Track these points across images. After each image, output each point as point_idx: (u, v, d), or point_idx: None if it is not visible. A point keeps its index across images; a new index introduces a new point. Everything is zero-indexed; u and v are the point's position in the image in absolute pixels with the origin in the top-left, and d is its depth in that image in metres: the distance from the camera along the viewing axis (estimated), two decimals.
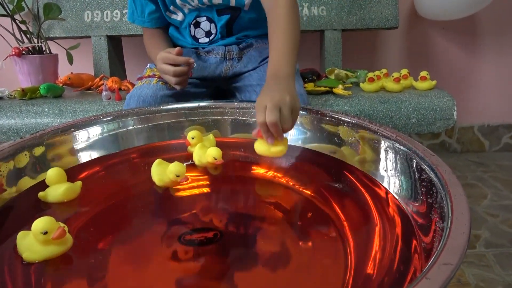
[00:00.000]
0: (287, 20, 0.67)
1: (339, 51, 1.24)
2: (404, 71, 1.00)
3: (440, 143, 1.64)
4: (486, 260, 0.94)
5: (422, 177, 0.43)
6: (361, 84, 0.95)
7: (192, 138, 0.58)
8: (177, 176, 0.48)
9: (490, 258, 0.94)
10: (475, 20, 1.49)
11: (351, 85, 1.02)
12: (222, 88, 0.92)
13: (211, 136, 0.61)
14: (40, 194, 0.46)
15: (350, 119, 0.58)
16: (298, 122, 0.60)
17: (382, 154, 0.51)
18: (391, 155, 0.49)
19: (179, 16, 0.90)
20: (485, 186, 1.34)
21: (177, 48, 0.71)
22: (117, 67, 1.29)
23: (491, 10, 1.41)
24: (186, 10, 0.88)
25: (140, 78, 0.82)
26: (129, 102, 0.75)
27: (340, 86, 0.92)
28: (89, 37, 1.24)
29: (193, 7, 0.87)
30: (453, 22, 1.43)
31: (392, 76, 0.94)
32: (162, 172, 0.50)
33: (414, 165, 0.44)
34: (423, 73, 0.94)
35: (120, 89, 1.08)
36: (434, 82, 0.93)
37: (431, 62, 1.54)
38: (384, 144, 0.51)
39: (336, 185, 0.51)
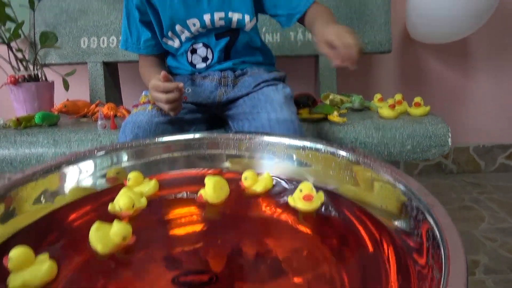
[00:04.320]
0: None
1: (333, 76, 1.25)
2: (398, 97, 1.01)
3: (436, 164, 1.64)
4: (486, 287, 0.93)
5: (418, 218, 0.42)
6: (379, 110, 0.95)
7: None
8: (124, 238, 0.42)
9: (489, 285, 0.93)
10: (467, 43, 1.51)
11: (346, 110, 1.02)
12: (217, 115, 0.92)
13: (153, 182, 0.54)
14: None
15: (345, 152, 0.57)
16: (294, 156, 0.60)
17: (378, 191, 0.51)
18: (387, 192, 0.49)
19: (175, 43, 0.91)
20: (482, 208, 1.34)
21: (162, 74, 0.72)
22: (113, 93, 1.29)
23: (483, 33, 1.44)
24: (183, 38, 0.90)
25: (135, 105, 0.82)
26: (124, 129, 0.75)
27: (335, 112, 0.92)
28: (85, 63, 1.25)
29: (192, 34, 0.88)
30: (446, 44, 1.45)
31: (387, 102, 0.94)
32: (104, 236, 0.41)
33: (410, 205, 0.44)
34: (417, 99, 0.94)
35: (115, 115, 1.08)
36: (428, 108, 0.94)
37: (425, 84, 1.56)
38: (379, 180, 0.51)
39: (334, 222, 0.51)
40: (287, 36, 1.24)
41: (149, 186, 0.53)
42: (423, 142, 0.87)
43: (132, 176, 0.53)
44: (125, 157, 0.58)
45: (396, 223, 0.46)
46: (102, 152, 0.55)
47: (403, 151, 0.87)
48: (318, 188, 0.56)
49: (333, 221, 0.51)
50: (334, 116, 0.90)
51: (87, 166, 0.54)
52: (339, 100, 1.08)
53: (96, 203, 0.50)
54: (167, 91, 0.72)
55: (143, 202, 0.49)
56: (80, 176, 0.53)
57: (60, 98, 1.17)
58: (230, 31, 0.91)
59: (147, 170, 0.56)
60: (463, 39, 1.39)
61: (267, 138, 0.62)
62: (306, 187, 0.52)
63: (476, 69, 1.55)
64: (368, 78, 1.54)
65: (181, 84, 0.71)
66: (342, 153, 0.58)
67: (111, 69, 1.29)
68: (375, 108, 1.02)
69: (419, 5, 1.30)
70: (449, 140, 0.87)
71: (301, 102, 1.04)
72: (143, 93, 0.86)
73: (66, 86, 1.17)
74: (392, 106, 0.92)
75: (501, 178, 1.60)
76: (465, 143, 1.62)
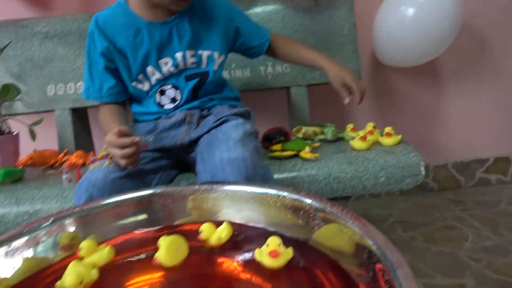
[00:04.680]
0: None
1: (306, 107, 1.25)
2: (370, 126, 1.00)
3: None
4: None
5: (385, 278, 0.40)
6: (351, 142, 0.94)
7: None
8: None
9: None
10: (436, 63, 1.54)
11: (318, 143, 1.01)
12: (182, 159, 0.90)
13: (107, 250, 0.50)
14: None
15: (312, 201, 0.56)
16: (257, 205, 0.59)
17: (346, 244, 0.49)
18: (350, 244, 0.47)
19: (145, 86, 0.90)
20: (465, 226, 1.33)
21: (116, 130, 0.70)
22: (84, 139, 1.26)
23: (451, 53, 1.47)
24: (153, 80, 0.89)
25: (93, 161, 0.79)
26: (78, 190, 0.72)
27: (307, 148, 0.91)
28: (53, 111, 1.22)
29: (163, 75, 0.88)
30: (415, 66, 1.47)
31: (358, 134, 0.94)
32: None
33: (377, 262, 0.42)
34: (388, 129, 0.94)
35: (84, 164, 1.05)
36: (399, 137, 0.94)
37: (398, 106, 1.57)
38: (347, 233, 0.49)
39: (301, 280, 0.48)
40: (257, 70, 1.24)
41: (103, 255, 0.49)
42: (397, 173, 0.86)
43: (84, 245, 0.49)
44: (74, 224, 0.55)
45: (364, 279, 0.44)
46: (48, 221, 0.52)
47: (377, 184, 0.86)
48: (287, 240, 0.55)
49: (300, 279, 0.49)
50: (306, 153, 0.89)
51: (34, 239, 0.51)
52: (312, 133, 1.08)
53: (41, 283, 0.47)
54: (122, 147, 0.70)
55: (94, 274, 0.46)
56: (26, 252, 0.50)
57: (27, 148, 1.13)
58: (200, 73, 0.91)
59: (101, 235, 0.53)
60: (431, 60, 1.41)
61: (226, 187, 0.60)
62: (273, 242, 0.50)
63: (446, 87, 1.58)
64: (341, 106, 1.55)
65: (136, 139, 0.70)
66: (309, 201, 0.56)
67: (80, 115, 1.27)
68: (348, 138, 1.01)
69: (384, 31, 1.32)
70: (422, 169, 0.86)
71: (274, 137, 1.04)
72: (105, 146, 0.84)
73: (33, 136, 1.14)
74: (364, 138, 0.92)
75: (481, 192, 1.60)
76: (443, 161, 1.63)
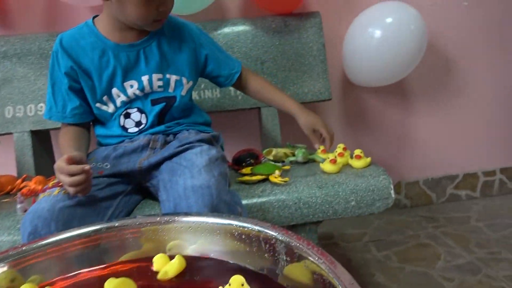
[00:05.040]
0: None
1: (277, 127, 1.24)
2: (340, 148, 1.00)
3: None
4: None
5: None
6: (321, 165, 0.93)
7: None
8: None
9: None
10: (405, 82, 1.57)
11: (289, 166, 0.99)
12: (142, 185, 0.86)
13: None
14: None
15: (277, 234, 0.53)
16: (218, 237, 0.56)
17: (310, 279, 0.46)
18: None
19: (110, 108, 0.87)
20: (437, 244, 1.34)
21: (66, 157, 0.67)
22: (45, 163, 1.20)
23: (418, 72, 1.50)
24: (118, 102, 0.86)
25: (44, 190, 0.75)
26: (24, 222, 0.67)
27: (277, 172, 0.89)
28: (10, 133, 1.16)
29: (128, 98, 0.85)
30: (385, 86, 1.49)
31: (329, 157, 0.93)
32: None
33: None
34: (357, 152, 0.94)
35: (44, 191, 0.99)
36: (368, 159, 0.93)
37: (368, 125, 1.59)
38: (312, 269, 0.47)
39: None
40: (226, 91, 1.22)
41: None
42: (367, 197, 0.85)
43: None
44: (12, 266, 0.50)
45: None
46: None
47: (347, 208, 0.85)
48: (252, 276, 0.52)
49: None
50: (276, 177, 0.87)
51: None
52: (283, 154, 1.06)
53: None
54: (71, 174, 0.66)
55: None
56: None
57: None
58: (167, 97, 0.89)
59: (43, 276, 0.49)
60: (400, 80, 1.44)
61: (185, 219, 0.57)
62: (235, 282, 0.47)
63: (416, 105, 1.61)
64: None
65: (87, 167, 0.66)
66: (273, 233, 0.54)
67: (41, 138, 1.20)
68: (319, 160, 1.00)
69: (353, 51, 1.34)
70: (392, 192, 0.85)
71: (243, 160, 1.01)
72: None
73: None
74: (334, 161, 0.91)
75: (452, 208, 1.62)
76: (415, 178, 1.65)
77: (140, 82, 0.86)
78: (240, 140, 1.28)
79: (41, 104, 1.17)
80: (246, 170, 0.96)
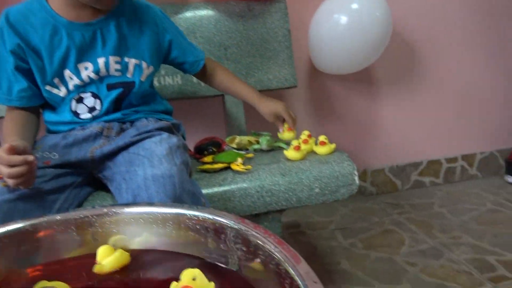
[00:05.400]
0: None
1: (241, 114, 1.20)
2: (304, 135, 0.98)
3: None
4: None
5: None
6: (285, 152, 0.90)
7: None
8: None
9: None
10: (370, 70, 1.57)
11: (252, 154, 0.96)
12: (94, 176, 0.81)
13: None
14: None
15: (233, 223, 0.50)
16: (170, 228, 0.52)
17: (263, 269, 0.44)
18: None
19: (61, 92, 0.80)
20: (402, 230, 1.36)
21: (7, 146, 0.60)
22: None
23: (383, 60, 1.50)
24: (71, 86, 0.79)
25: None
26: None
27: (239, 160, 0.86)
28: None
29: (82, 81, 0.79)
30: (351, 73, 1.48)
31: (292, 145, 0.90)
32: None
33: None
34: (322, 138, 0.92)
35: None
36: (333, 145, 0.92)
37: (335, 113, 1.58)
38: (267, 258, 0.44)
39: None
40: (188, 78, 1.17)
41: None
42: (331, 183, 0.83)
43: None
44: None
45: None
46: None
47: (311, 195, 0.83)
48: (209, 268, 0.48)
49: None
50: (238, 165, 0.84)
51: None
52: (247, 142, 1.03)
53: None
54: (12, 165, 0.60)
55: None
56: None
57: None
58: (125, 83, 0.83)
59: None
60: (366, 67, 1.43)
61: (129, 210, 0.53)
62: (186, 276, 0.43)
63: (380, 94, 1.61)
64: None
65: (30, 158, 0.60)
66: (229, 223, 0.51)
67: None
68: (284, 147, 0.98)
69: (319, 38, 1.32)
70: (356, 178, 0.84)
71: (205, 148, 0.97)
72: None
73: None
74: (298, 148, 0.89)
75: (416, 195, 1.66)
76: (380, 165, 1.66)
77: (95, 64, 0.80)
78: (204, 129, 1.24)
79: None
80: (208, 158, 0.92)
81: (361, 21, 1.25)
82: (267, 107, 0.98)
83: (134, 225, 0.52)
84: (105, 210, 0.54)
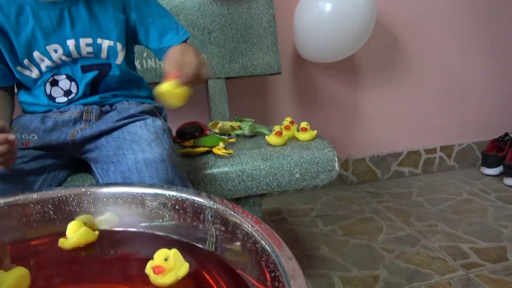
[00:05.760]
0: None
1: (225, 100, 1.20)
2: (286, 122, 0.98)
3: (337, 176, 1.67)
4: None
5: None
6: (266, 137, 0.90)
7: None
8: None
9: None
10: (354, 59, 1.58)
11: (234, 139, 0.96)
12: (76, 158, 0.79)
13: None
14: None
15: (212, 203, 0.50)
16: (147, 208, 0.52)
17: (242, 250, 0.44)
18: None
19: (33, 73, 0.77)
20: (380, 218, 1.38)
21: None
22: None
23: (367, 50, 1.51)
24: (43, 67, 0.77)
25: None
26: None
27: (221, 144, 0.85)
28: None
29: (54, 63, 0.76)
30: (335, 62, 1.49)
31: (274, 130, 0.90)
32: None
33: (273, 272, 0.38)
34: (303, 124, 0.92)
35: None
36: (314, 132, 0.92)
37: (318, 101, 1.59)
38: (246, 237, 0.44)
39: None
40: None
41: None
42: (311, 169, 0.84)
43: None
44: None
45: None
46: None
47: (292, 180, 0.83)
48: (184, 248, 0.48)
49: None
50: (220, 149, 0.84)
51: None
52: (229, 127, 1.02)
53: None
54: None
55: None
56: None
57: None
58: (100, 65, 0.80)
59: None
60: (350, 56, 1.44)
61: (108, 190, 0.52)
62: (159, 257, 0.42)
63: (364, 84, 1.63)
64: (262, 99, 1.52)
65: (11, 137, 0.58)
66: (208, 203, 0.50)
67: None
68: (267, 133, 0.98)
69: (303, 26, 1.31)
70: (336, 164, 0.85)
71: (187, 132, 0.96)
72: None
73: None
74: (279, 133, 0.89)
75: (396, 184, 1.69)
76: (362, 155, 1.69)
77: (65, 46, 0.76)
78: (187, 114, 1.22)
79: None
80: (190, 142, 0.91)
81: (345, 9, 1.25)
82: (167, 52, 0.76)
83: (112, 205, 0.52)
84: (83, 189, 0.53)
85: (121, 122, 0.74)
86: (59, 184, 0.75)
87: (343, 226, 1.33)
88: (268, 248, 0.40)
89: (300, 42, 1.37)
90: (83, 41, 0.77)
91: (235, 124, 1.05)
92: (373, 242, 1.23)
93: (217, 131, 1.01)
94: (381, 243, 1.22)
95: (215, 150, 0.84)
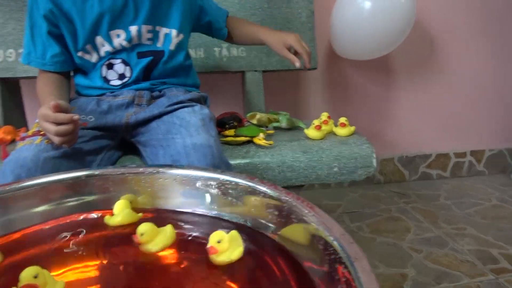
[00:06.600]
0: None
1: (261, 92, 1.21)
2: (324, 116, 0.99)
3: None
4: None
5: (341, 271, 0.38)
6: (305, 131, 0.91)
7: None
8: None
9: None
10: (389, 58, 1.57)
11: (273, 131, 0.98)
12: (127, 141, 0.82)
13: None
14: None
15: (267, 189, 0.52)
16: (209, 192, 0.54)
17: (300, 234, 0.46)
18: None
19: (93, 58, 0.81)
20: (408, 218, 1.38)
21: (52, 104, 0.61)
22: (14, 113, 1.12)
23: (403, 49, 1.50)
24: (102, 52, 0.80)
25: (23, 138, 0.70)
26: (4, 170, 0.62)
27: (261, 135, 0.87)
28: None
29: (113, 48, 0.80)
30: (369, 60, 1.49)
31: (313, 124, 0.92)
32: None
33: (333, 255, 0.39)
34: (342, 120, 0.93)
35: (13, 140, 0.93)
36: (353, 128, 0.93)
37: (351, 99, 1.59)
38: (302, 223, 0.46)
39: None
40: (211, 51, 1.18)
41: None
42: (349, 164, 0.85)
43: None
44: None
45: (319, 272, 0.41)
46: None
47: (330, 174, 0.85)
48: (240, 228, 0.50)
49: (254, 269, 0.45)
50: (260, 139, 0.86)
51: None
52: (267, 120, 1.04)
53: None
54: (58, 123, 0.61)
55: None
56: None
57: None
58: (155, 51, 0.84)
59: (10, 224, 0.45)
60: (384, 55, 1.43)
61: (175, 171, 0.54)
62: (213, 238, 0.44)
63: (397, 83, 1.62)
64: (297, 94, 1.53)
65: (76, 116, 0.62)
66: (264, 189, 0.52)
67: (10, 86, 1.13)
68: (303, 126, 0.99)
69: (342, 23, 1.32)
70: (374, 160, 0.86)
71: (227, 122, 0.99)
72: (37, 120, 0.74)
73: None
74: (318, 127, 0.90)
75: (423, 186, 1.68)
76: (390, 154, 1.68)
77: (128, 32, 0.80)
78: (222, 104, 1.25)
79: (11, 50, 1.08)
80: (229, 132, 0.94)
81: (385, 7, 1.24)
82: (275, 37, 0.90)
83: (172, 186, 0.54)
84: (150, 169, 0.55)
85: (171, 108, 0.77)
86: (112, 164, 0.78)
87: (370, 224, 1.34)
88: (327, 233, 0.42)
89: (336, 39, 1.37)
90: (144, 28, 0.81)
91: (271, 116, 1.06)
92: (400, 241, 1.23)
93: (255, 122, 1.03)
94: (408, 242, 1.22)
95: (256, 140, 0.86)
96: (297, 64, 0.88)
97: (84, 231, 0.47)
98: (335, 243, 0.40)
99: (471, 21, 1.61)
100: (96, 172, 0.54)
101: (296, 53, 0.90)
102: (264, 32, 0.93)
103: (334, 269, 0.38)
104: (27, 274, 0.35)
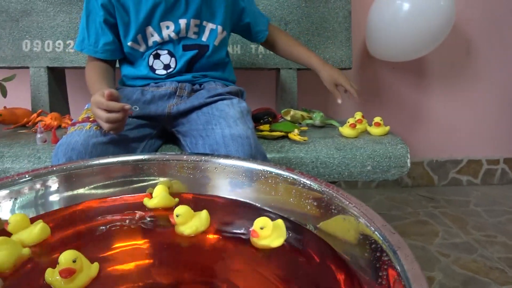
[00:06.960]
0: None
1: (294, 90, 1.23)
2: (358, 115, 1.00)
3: None
4: None
5: (382, 259, 0.39)
6: (340, 129, 0.93)
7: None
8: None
9: None
10: (423, 61, 1.56)
11: (306, 128, 1.00)
12: (168, 130, 0.86)
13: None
14: None
15: (307, 180, 0.54)
16: (252, 182, 0.56)
17: (341, 225, 0.47)
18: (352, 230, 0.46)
19: (141, 48, 0.85)
20: (436, 223, 1.37)
21: (107, 92, 0.65)
22: (59, 101, 1.19)
23: (438, 52, 1.48)
24: (150, 42, 0.84)
25: (73, 124, 0.74)
26: (57, 152, 0.67)
27: (296, 130, 0.89)
28: (27, 68, 1.14)
29: (162, 39, 0.83)
30: (403, 62, 1.48)
31: (348, 122, 0.93)
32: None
33: (375, 245, 0.41)
34: (377, 119, 0.94)
35: (59, 126, 0.99)
36: (387, 128, 0.94)
37: (383, 100, 1.58)
38: (342, 213, 0.48)
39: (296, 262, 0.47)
40: (248, 48, 1.21)
41: (33, 233, 0.42)
42: (383, 163, 0.86)
43: (13, 220, 0.42)
44: (53, 183, 0.51)
45: (361, 263, 0.43)
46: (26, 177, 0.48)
47: (363, 172, 0.86)
48: (279, 218, 0.52)
49: (295, 261, 0.47)
50: (295, 135, 0.88)
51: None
52: (300, 116, 1.06)
53: None
54: (110, 110, 0.65)
55: (25, 252, 0.39)
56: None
57: None
58: (200, 45, 0.87)
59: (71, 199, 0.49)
60: (419, 58, 1.42)
61: (219, 160, 0.57)
62: (256, 224, 0.46)
63: (430, 87, 1.60)
64: (327, 94, 1.54)
65: (127, 106, 0.65)
66: (304, 180, 0.54)
67: (56, 75, 1.19)
68: (337, 125, 1.00)
69: (378, 24, 1.31)
70: (408, 161, 0.86)
71: (261, 117, 1.01)
72: (86, 106, 0.78)
73: (4, 92, 1.06)
74: (353, 125, 0.91)
75: (453, 192, 1.65)
76: (420, 158, 1.66)
77: (177, 24, 0.83)
78: (256, 100, 1.27)
79: (59, 41, 1.14)
80: (264, 127, 0.96)
81: (423, 9, 1.23)
82: (329, 73, 0.99)
83: (213, 174, 0.56)
84: (203, 157, 0.58)
85: (211, 99, 0.80)
86: (153, 152, 0.82)
87: (398, 226, 1.33)
88: (367, 223, 0.43)
89: (372, 39, 1.37)
90: (193, 22, 0.84)
91: (305, 114, 1.08)
92: (428, 245, 1.22)
93: (289, 118, 1.05)
94: (436, 246, 1.21)
95: (291, 136, 0.88)
96: (339, 101, 0.99)
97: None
98: (376, 234, 0.41)
99: (509, 28, 1.57)
100: (146, 156, 0.57)
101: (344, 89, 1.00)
102: (318, 63, 1.00)
103: (375, 258, 0.40)
104: (66, 258, 0.35)
